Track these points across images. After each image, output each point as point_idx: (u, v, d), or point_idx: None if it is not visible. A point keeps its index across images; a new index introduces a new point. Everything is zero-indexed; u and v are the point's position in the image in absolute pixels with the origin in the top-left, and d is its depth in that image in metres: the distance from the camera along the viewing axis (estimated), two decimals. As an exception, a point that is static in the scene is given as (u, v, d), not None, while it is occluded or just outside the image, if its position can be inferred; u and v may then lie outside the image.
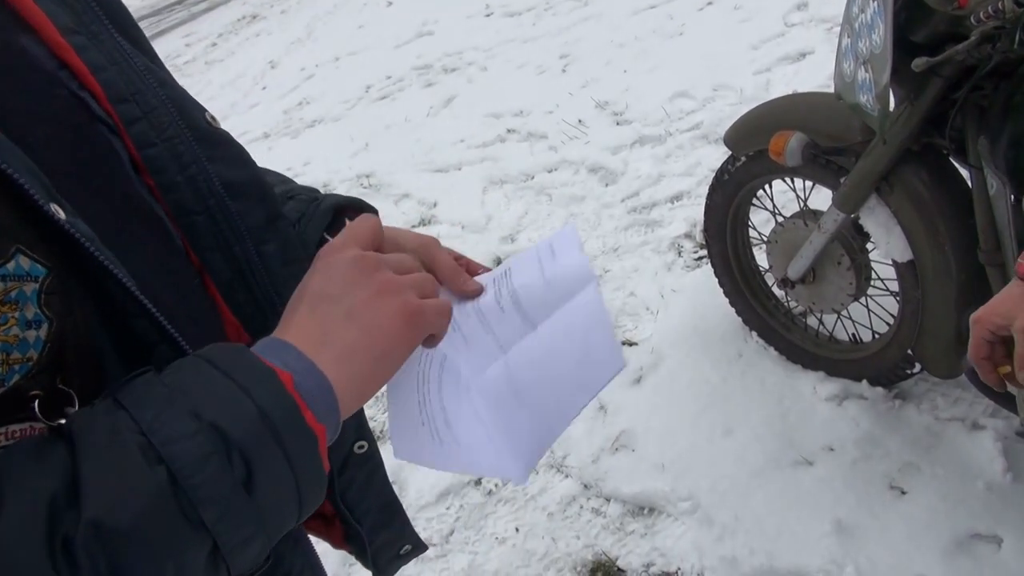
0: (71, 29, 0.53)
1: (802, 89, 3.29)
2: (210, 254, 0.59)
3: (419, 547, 0.68)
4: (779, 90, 3.36)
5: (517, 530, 1.89)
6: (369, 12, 6.78)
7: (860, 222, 1.70)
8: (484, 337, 0.71)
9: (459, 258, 0.72)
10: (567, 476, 1.96)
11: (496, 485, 2.00)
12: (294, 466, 0.43)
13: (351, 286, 0.52)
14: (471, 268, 0.72)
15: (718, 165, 3.02)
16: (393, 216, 3.44)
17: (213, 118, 0.63)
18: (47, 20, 0.51)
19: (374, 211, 0.78)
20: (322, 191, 0.79)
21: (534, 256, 0.75)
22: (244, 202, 0.61)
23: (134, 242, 0.52)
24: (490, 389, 0.69)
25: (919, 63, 1.21)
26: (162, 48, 8.73)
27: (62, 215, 0.43)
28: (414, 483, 2.06)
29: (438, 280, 0.70)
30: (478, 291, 0.70)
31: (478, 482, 2.02)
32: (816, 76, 3.33)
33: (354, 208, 0.77)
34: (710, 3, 4.44)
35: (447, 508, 1.99)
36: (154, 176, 0.56)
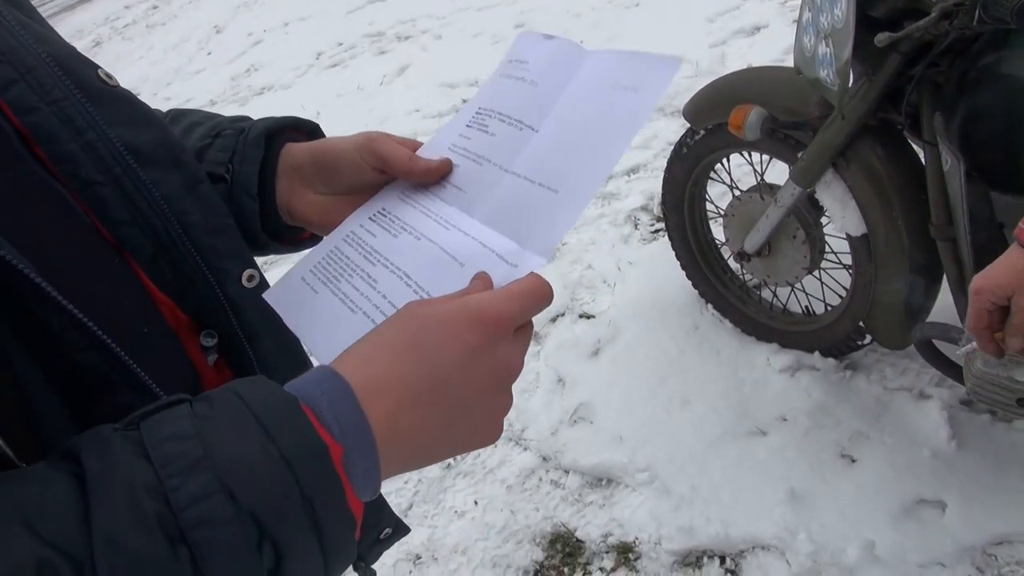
0: None
1: (757, 63, 3.32)
2: (125, 228, 0.53)
3: (400, 529, 0.65)
4: (734, 63, 3.38)
5: (476, 503, 1.89)
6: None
7: (816, 196, 1.72)
8: (479, 170, 0.65)
9: (405, 142, 0.67)
10: (526, 449, 1.97)
11: (455, 458, 1.99)
12: (327, 553, 0.39)
13: (478, 398, 0.47)
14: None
15: (675, 138, 3.05)
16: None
17: (108, 75, 0.56)
18: None
19: (312, 127, 0.72)
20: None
21: (503, 77, 0.69)
22: (155, 169, 0.55)
23: (33, 227, 0.46)
24: (502, 206, 0.62)
25: (882, 38, 1.21)
26: (99, 11, 8.40)
27: None
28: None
29: (397, 176, 0.66)
30: (446, 166, 0.65)
31: (437, 456, 2.01)
32: (770, 50, 3.35)
33: (289, 128, 0.70)
34: (666, -25, 4.45)
35: (405, 482, 1.98)
36: (43, 146, 0.49)
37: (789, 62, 3.20)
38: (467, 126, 0.68)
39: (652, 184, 2.77)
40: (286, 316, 0.63)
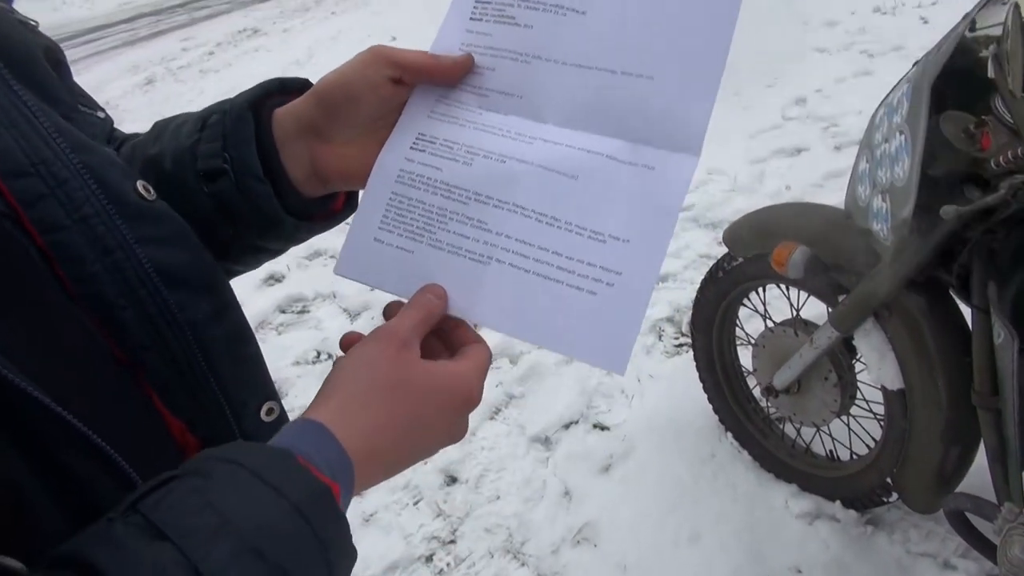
0: None
1: (796, 185, 3.32)
2: (144, 353, 0.49)
3: (283, 414, 0.58)
4: (773, 183, 3.39)
5: (465, 616, 1.79)
6: (371, 43, 6.80)
7: (853, 342, 1.67)
8: (527, 69, 0.57)
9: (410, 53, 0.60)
10: (523, 564, 1.87)
11: (448, 564, 1.90)
12: None
13: (442, 415, 0.52)
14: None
15: (706, 250, 3.05)
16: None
17: (147, 187, 0.52)
18: None
19: (301, 84, 0.63)
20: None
21: None
22: (184, 291, 0.51)
23: (48, 355, 0.43)
24: (581, 103, 0.55)
25: (948, 212, 1.18)
26: (157, 49, 8.66)
27: None
28: (360, 549, 1.95)
29: (420, 80, 0.59)
30: (470, 60, 0.59)
31: (429, 558, 1.92)
32: (810, 174, 3.36)
33: (274, 93, 0.62)
34: (711, 85, 4.51)
35: (395, 586, 1.89)
36: (65, 266, 0.45)
37: (828, 187, 3.23)
38: (472, 19, 0.60)
39: (679, 295, 2.73)
40: (381, 284, 0.57)
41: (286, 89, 0.62)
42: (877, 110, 1.42)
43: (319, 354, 2.75)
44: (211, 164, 0.58)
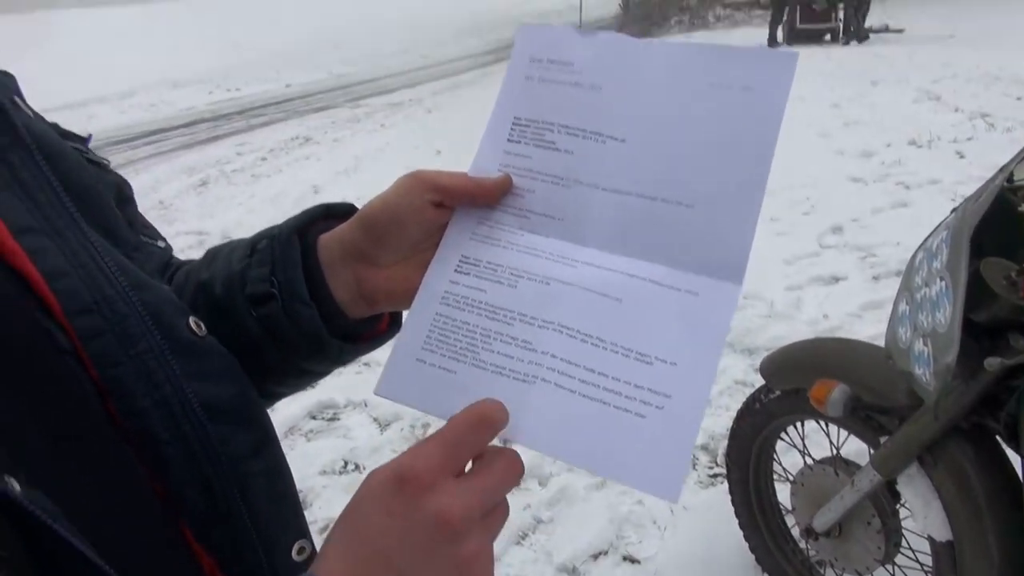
0: (29, 228, 0.46)
1: (833, 313, 3.31)
2: (184, 488, 0.49)
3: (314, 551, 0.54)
4: (810, 310, 3.38)
5: None
6: (419, 157, 7.06)
7: (897, 487, 1.62)
8: (567, 193, 0.58)
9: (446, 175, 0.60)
10: None
11: None
12: None
13: (426, 561, 0.43)
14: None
15: (742, 376, 3.01)
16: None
17: (198, 323, 0.53)
18: None
19: (345, 210, 0.64)
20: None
21: (537, 81, 0.60)
22: (227, 425, 0.51)
23: (92, 491, 0.43)
24: (621, 228, 0.55)
25: (992, 364, 1.17)
26: (213, 153, 9.09)
27: (17, 488, 0.35)
28: None
29: (460, 201, 0.60)
30: (508, 181, 0.60)
31: None
32: (847, 303, 3.35)
33: (319, 219, 0.64)
34: (747, 210, 4.58)
35: None
36: (116, 401, 0.47)
37: (866, 318, 3.20)
38: (510, 141, 0.61)
39: (714, 422, 2.69)
40: (422, 405, 0.55)
41: (331, 214, 0.64)
42: (916, 253, 1.42)
43: (346, 464, 2.72)
44: (259, 288, 0.60)
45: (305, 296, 0.59)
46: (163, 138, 10.61)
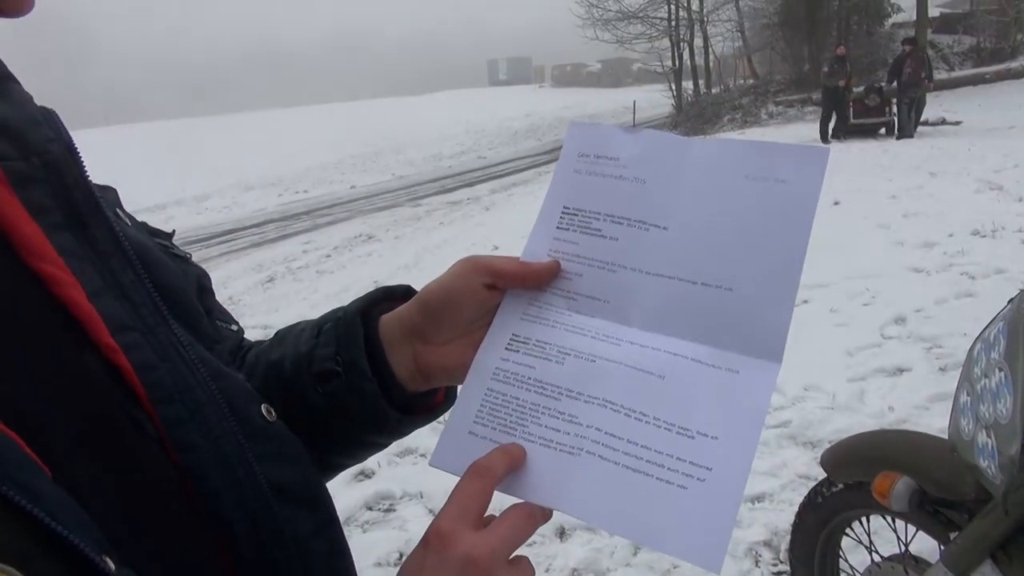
0: (125, 326, 0.50)
1: (898, 406, 3.21)
2: (249, 565, 0.52)
3: None
4: (874, 402, 3.29)
5: None
6: (476, 252, 7.23)
7: (971, 586, 1.54)
8: (613, 277, 0.61)
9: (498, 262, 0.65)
10: None
11: None
12: None
13: None
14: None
15: (804, 470, 2.93)
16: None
17: (269, 410, 0.58)
18: (99, 320, 0.49)
19: (404, 291, 0.70)
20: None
21: (586, 174, 0.65)
22: (292, 506, 0.55)
23: (172, 572, 0.47)
24: (663, 310, 0.59)
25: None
26: (280, 250, 9.49)
27: (112, 567, 0.38)
28: None
29: (511, 285, 0.64)
30: (556, 266, 0.63)
31: None
32: (913, 396, 3.25)
33: (380, 300, 0.68)
34: (806, 301, 4.53)
35: None
36: (193, 483, 0.51)
37: (934, 410, 3.10)
38: (559, 228, 0.65)
39: (777, 517, 2.60)
40: None
41: (391, 296, 0.69)
42: (974, 344, 1.41)
43: (401, 556, 2.71)
44: (325, 367, 0.65)
45: (367, 372, 0.64)
46: (234, 237, 11.14)
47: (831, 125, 13.29)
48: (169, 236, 0.68)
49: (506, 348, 0.63)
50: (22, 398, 0.41)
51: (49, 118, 0.52)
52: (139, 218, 0.65)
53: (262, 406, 0.58)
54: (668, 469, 0.54)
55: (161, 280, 0.55)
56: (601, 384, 0.58)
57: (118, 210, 0.57)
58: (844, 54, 13.56)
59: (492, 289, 0.64)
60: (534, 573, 0.52)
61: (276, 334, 0.74)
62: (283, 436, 0.59)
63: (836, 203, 7.25)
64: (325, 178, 18.69)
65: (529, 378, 0.60)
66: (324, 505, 0.60)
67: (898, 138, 12.58)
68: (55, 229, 0.48)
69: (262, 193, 16.90)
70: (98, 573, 0.38)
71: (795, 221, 0.58)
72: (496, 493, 0.55)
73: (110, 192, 0.58)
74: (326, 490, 0.61)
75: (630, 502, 0.54)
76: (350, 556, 0.62)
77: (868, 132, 13.16)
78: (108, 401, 0.48)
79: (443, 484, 0.65)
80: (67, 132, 0.52)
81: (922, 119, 12.99)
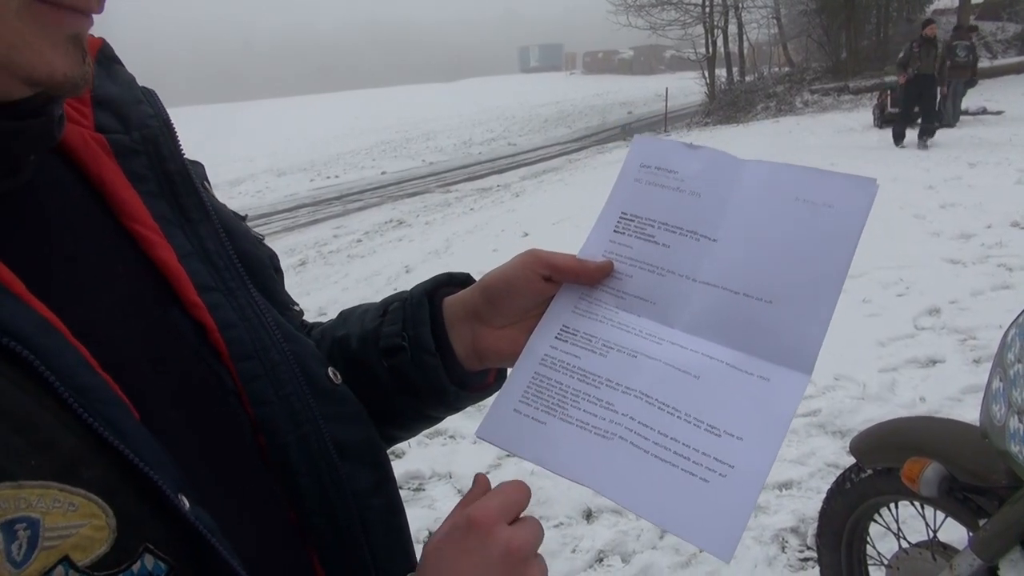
0: (209, 287, 0.54)
1: (931, 397, 3.18)
2: (315, 518, 0.57)
3: None
4: (905, 393, 3.26)
5: None
6: (505, 239, 7.26)
7: (999, 573, 1.54)
8: (662, 280, 0.65)
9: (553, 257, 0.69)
10: None
11: None
12: None
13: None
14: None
15: (833, 458, 2.92)
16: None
17: (335, 373, 0.62)
18: (187, 279, 0.53)
19: (464, 278, 0.75)
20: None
21: (646, 184, 0.69)
22: (354, 464, 0.59)
23: (247, 521, 0.51)
24: (706, 316, 0.62)
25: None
26: (312, 235, 9.61)
27: (187, 505, 0.42)
28: None
29: (566, 278, 0.68)
30: (610, 266, 0.67)
31: None
32: (946, 387, 3.22)
33: (443, 284, 0.74)
34: (838, 291, 4.48)
35: None
36: (266, 436, 0.55)
37: (967, 402, 3.08)
38: (616, 231, 0.69)
39: (804, 504, 2.61)
40: (513, 448, 0.63)
41: (452, 282, 0.74)
42: (1009, 329, 1.41)
43: (430, 534, 2.76)
44: (392, 342, 0.69)
45: (432, 348, 0.69)
46: (267, 221, 11.28)
47: (908, 123, 10.55)
48: (243, 218, 0.73)
49: (556, 337, 0.67)
50: (120, 347, 0.45)
51: (149, 97, 0.57)
52: None
53: (329, 369, 0.62)
54: (693, 462, 0.57)
55: (241, 248, 0.59)
56: (639, 377, 0.62)
57: (205, 183, 0.61)
58: (934, 35, 10.55)
59: (549, 281, 0.69)
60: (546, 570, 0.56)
61: (340, 314, 0.78)
62: (347, 398, 0.62)
63: (871, 193, 7.15)
64: (356, 164, 18.82)
65: (574, 366, 0.64)
66: (383, 464, 0.63)
67: (935, 128, 10.56)
68: (151, 196, 0.53)
69: (294, 178, 17.07)
70: (174, 510, 0.41)
71: (838, 244, 0.61)
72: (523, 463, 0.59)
73: (199, 166, 0.62)
74: (385, 451, 0.65)
75: (654, 487, 0.57)
76: (404, 514, 0.65)
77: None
78: (193, 354, 0.52)
79: (471, 464, 0.68)
80: (165, 110, 0.57)
81: (963, 108, 12.62)
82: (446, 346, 0.70)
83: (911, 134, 10.36)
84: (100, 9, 0.43)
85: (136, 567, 0.39)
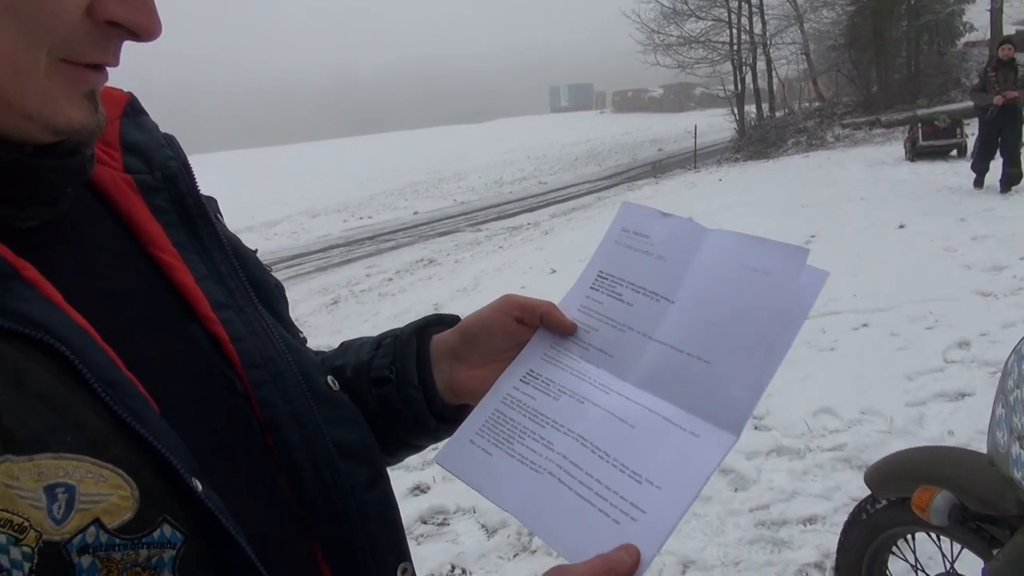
0: (223, 304, 0.62)
1: (959, 431, 3.14)
2: (317, 511, 0.62)
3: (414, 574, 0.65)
4: (933, 427, 3.23)
5: None
6: (532, 276, 7.33)
7: (1015, 604, 1.53)
8: (622, 336, 0.70)
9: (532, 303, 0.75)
10: None
11: None
12: None
13: None
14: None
15: (859, 493, 2.88)
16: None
17: (334, 381, 0.69)
18: (203, 298, 0.60)
19: (452, 319, 0.80)
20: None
21: (622, 246, 0.75)
22: (352, 462, 0.65)
23: (255, 508, 0.57)
24: (654, 372, 0.67)
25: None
26: (344, 274, 9.77)
27: (200, 487, 0.48)
28: None
29: (538, 322, 0.74)
30: (573, 327, 0.73)
31: None
32: (976, 422, 3.17)
33: (433, 324, 0.80)
34: (865, 325, 4.46)
35: None
36: (273, 434, 0.61)
37: (997, 436, 3.02)
38: (592, 288, 0.74)
39: (829, 540, 2.58)
40: (461, 475, 0.68)
41: (442, 321, 0.81)
42: (1009, 357, 1.42)
43: (453, 568, 2.78)
44: (380, 374, 0.77)
45: (415, 381, 0.76)
46: (301, 262, 11.50)
47: (988, 159, 8.83)
48: (253, 252, 0.81)
49: (520, 380, 0.73)
50: (143, 354, 0.52)
51: (170, 141, 0.65)
52: None
53: (328, 377, 0.69)
54: (610, 503, 0.62)
55: (250, 273, 0.67)
56: (582, 422, 0.67)
57: (218, 215, 0.69)
58: (1011, 56, 8.74)
59: (521, 324, 0.75)
60: None
61: (341, 345, 0.86)
62: (345, 403, 0.69)
63: (901, 226, 7.09)
64: (389, 204, 19.14)
65: (529, 407, 0.71)
66: (377, 464, 0.70)
67: (1005, 189, 8.50)
68: (171, 227, 0.61)
69: (327, 219, 17.41)
70: (188, 490, 0.48)
71: (780, 311, 0.64)
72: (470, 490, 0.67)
73: (213, 201, 0.71)
74: (379, 452, 0.72)
75: (568, 520, 0.62)
76: (398, 508, 0.71)
77: (939, 154, 12.78)
78: (209, 362, 0.59)
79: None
80: (183, 153, 0.66)
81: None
82: (429, 381, 0.77)
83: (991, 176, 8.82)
84: (117, 63, 0.51)
85: (156, 534, 0.45)
